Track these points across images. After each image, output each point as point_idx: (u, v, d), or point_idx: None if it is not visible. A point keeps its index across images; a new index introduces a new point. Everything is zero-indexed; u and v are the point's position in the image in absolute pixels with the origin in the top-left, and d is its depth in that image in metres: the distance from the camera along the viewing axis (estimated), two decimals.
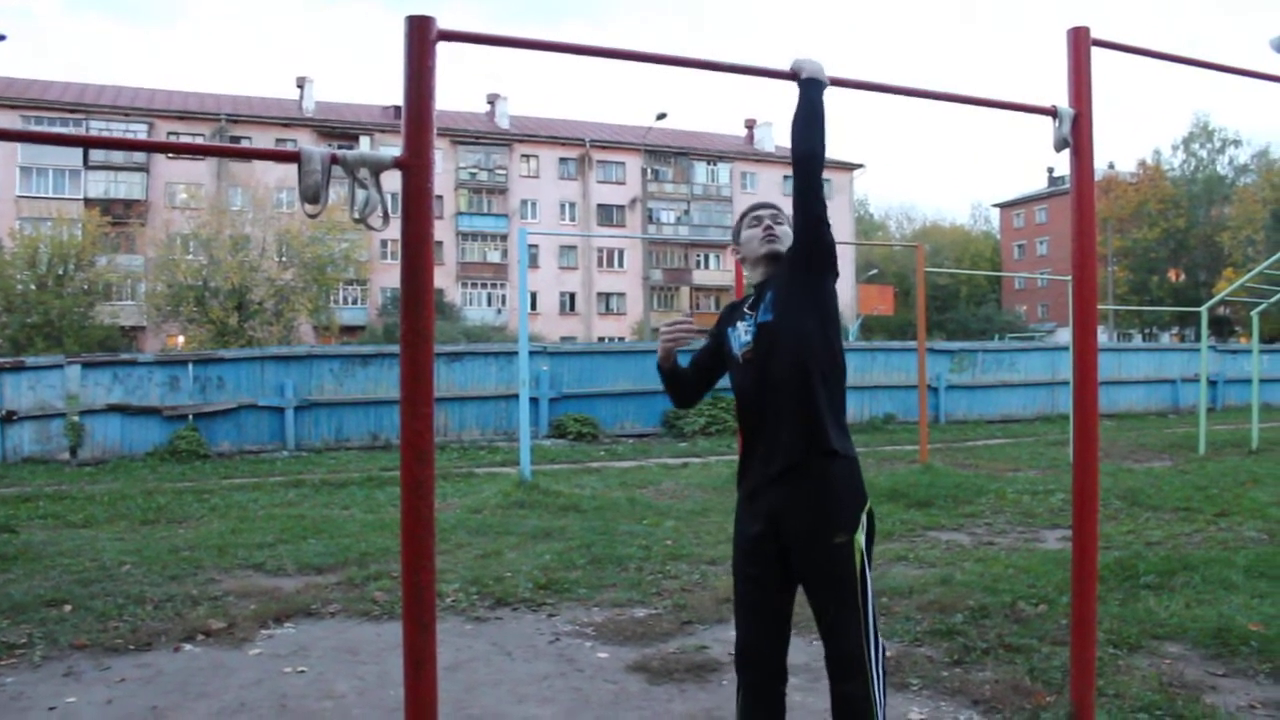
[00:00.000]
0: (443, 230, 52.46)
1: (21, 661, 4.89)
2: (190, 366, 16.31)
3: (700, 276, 58.40)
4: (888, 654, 4.84)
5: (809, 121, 3.07)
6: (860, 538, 2.96)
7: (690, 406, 3.34)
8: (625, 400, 18.65)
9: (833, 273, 3.10)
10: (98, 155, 48.23)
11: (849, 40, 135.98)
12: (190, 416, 15.93)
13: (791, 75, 3.13)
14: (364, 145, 50.57)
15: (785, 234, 3.18)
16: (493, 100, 59.64)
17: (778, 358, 3.02)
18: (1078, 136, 3.67)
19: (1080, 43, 3.68)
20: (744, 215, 3.29)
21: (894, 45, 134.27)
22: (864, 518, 2.99)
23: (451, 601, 6.01)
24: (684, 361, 3.35)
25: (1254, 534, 7.98)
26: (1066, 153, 3.71)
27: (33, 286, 36.77)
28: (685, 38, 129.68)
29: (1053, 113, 3.66)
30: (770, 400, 3.02)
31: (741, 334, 3.12)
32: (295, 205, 41.69)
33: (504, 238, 55.31)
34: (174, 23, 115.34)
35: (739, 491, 3.17)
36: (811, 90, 3.09)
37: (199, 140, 49.59)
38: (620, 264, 59.38)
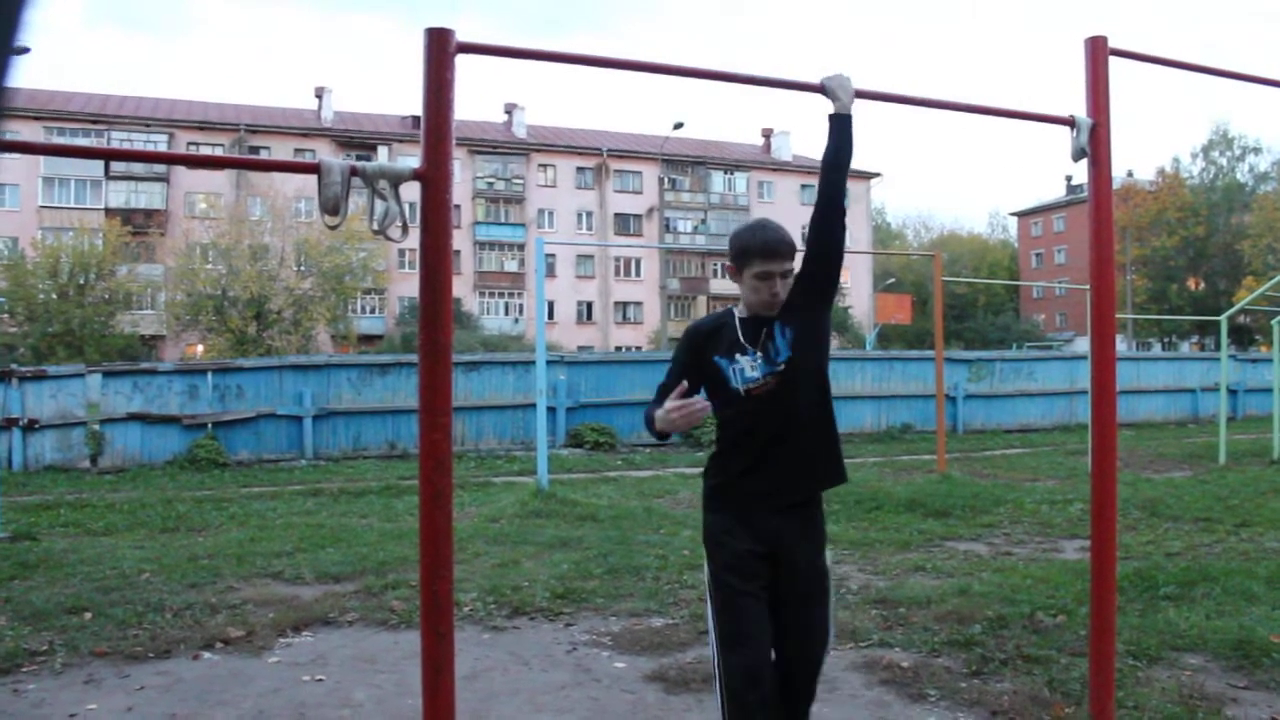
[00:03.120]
0: (460, 239, 52.59)
1: (43, 668, 4.92)
2: (209, 375, 16.40)
3: (717, 286, 58.33)
4: (905, 665, 4.85)
5: (844, 165, 3.13)
6: (830, 557, 3.24)
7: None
8: (642, 410, 18.56)
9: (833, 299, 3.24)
10: (118, 166, 48.65)
11: (866, 49, 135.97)
12: (209, 425, 16.02)
13: (817, 89, 3.14)
14: (382, 155, 50.88)
15: (787, 290, 3.11)
16: (510, 110, 59.82)
17: (802, 397, 3.07)
18: (1096, 146, 3.66)
19: (1098, 52, 3.68)
20: (753, 254, 3.05)
21: (911, 55, 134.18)
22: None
23: (469, 611, 6.01)
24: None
25: (1275, 545, 7.92)
26: (1084, 161, 3.70)
27: (54, 296, 37.06)
28: (697, 46, 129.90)
29: (1070, 123, 3.65)
30: (788, 434, 3.06)
31: (746, 369, 3.07)
32: (314, 215, 41.94)
33: (521, 247, 55.42)
34: (190, 35, 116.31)
35: (725, 511, 3.12)
36: (846, 128, 3.12)
37: (218, 151, 49.86)
38: (637, 273, 59.41)
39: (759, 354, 3.07)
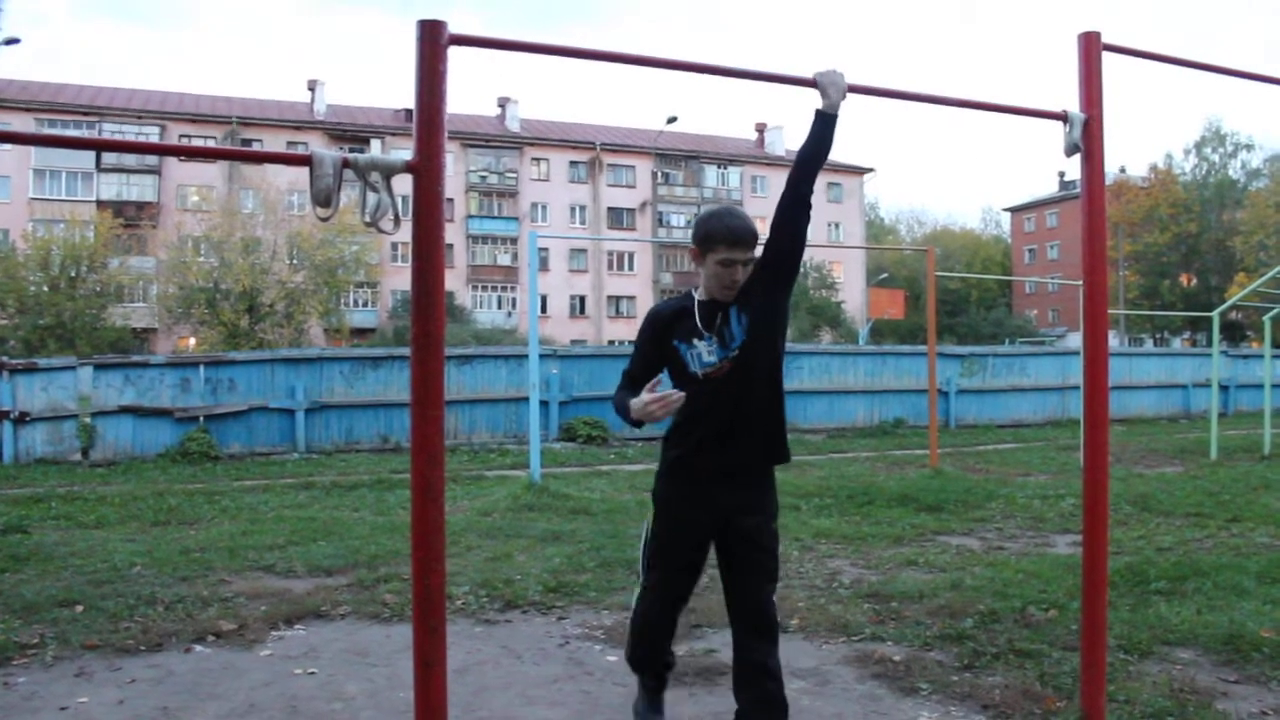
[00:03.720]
0: (453, 233, 52.53)
1: (34, 661, 4.90)
2: (201, 368, 16.35)
3: None
4: (896, 658, 4.85)
5: (819, 162, 3.19)
6: (777, 522, 3.44)
7: None
8: None
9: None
10: (110, 158, 48.45)
11: (859, 44, 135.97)
12: (201, 418, 15.98)
13: (810, 83, 3.15)
14: (375, 148, 50.71)
15: (746, 277, 3.24)
16: (503, 103, 59.76)
17: (754, 379, 3.20)
18: (1089, 141, 3.66)
19: (1091, 47, 3.68)
20: (718, 240, 3.16)
21: (905, 49, 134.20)
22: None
23: (461, 604, 6.01)
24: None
25: (1266, 540, 7.95)
26: (1077, 157, 3.71)
27: (45, 288, 36.97)
28: (691, 40, 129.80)
29: (1064, 118, 3.66)
30: (741, 417, 3.21)
31: (703, 353, 3.20)
32: (306, 208, 41.90)
33: (514, 241, 55.42)
34: (183, 27, 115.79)
35: (681, 480, 3.34)
36: (829, 127, 3.16)
37: (210, 143, 49.72)
38: (630, 267, 59.43)
39: (715, 339, 3.19)
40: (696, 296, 3.30)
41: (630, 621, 3.57)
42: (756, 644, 3.29)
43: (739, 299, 3.19)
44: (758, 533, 3.29)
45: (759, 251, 3.24)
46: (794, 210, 3.16)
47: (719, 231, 3.16)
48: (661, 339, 3.30)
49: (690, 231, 3.34)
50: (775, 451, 3.30)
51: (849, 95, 3.19)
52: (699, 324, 3.22)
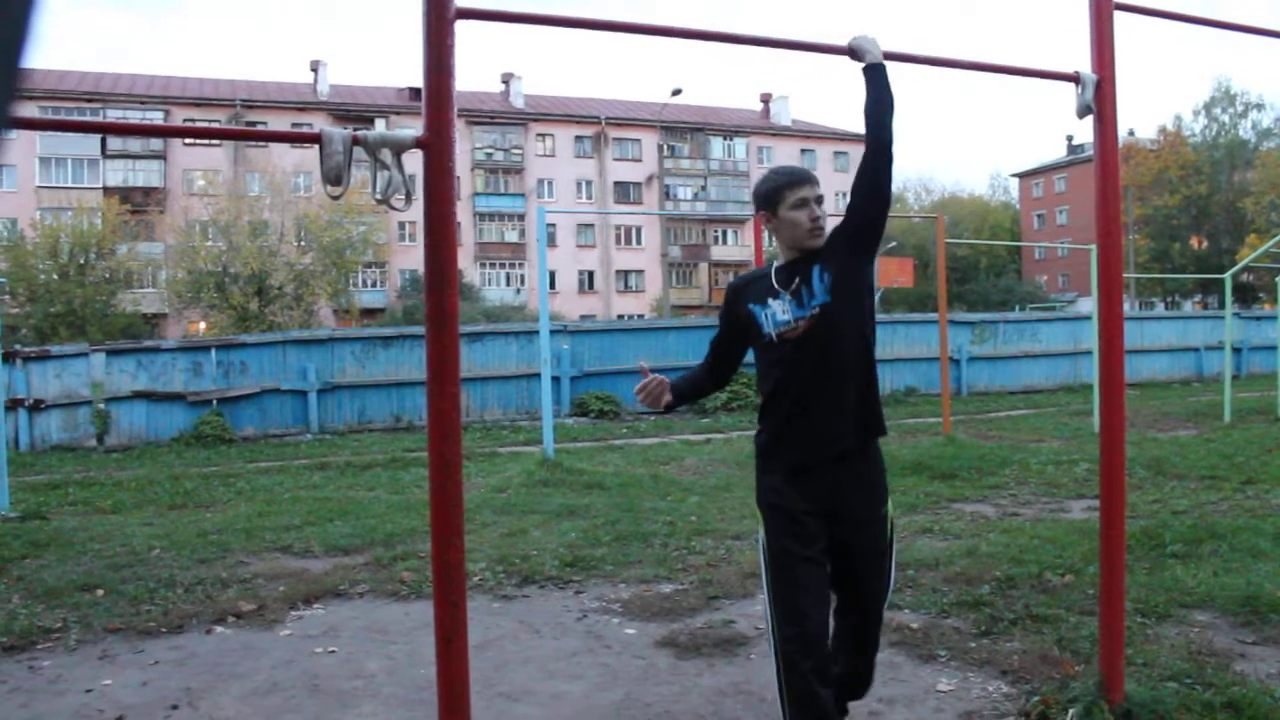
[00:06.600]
0: (460, 211, 51.94)
1: (58, 645, 4.95)
2: (213, 352, 16.41)
3: (718, 252, 58.28)
4: (914, 626, 4.87)
5: (887, 109, 3.03)
6: (891, 507, 3.18)
7: (723, 388, 3.34)
8: None
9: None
10: (115, 144, 48.42)
11: (865, 7, 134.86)
12: (214, 401, 16.04)
13: (847, 51, 3.11)
14: (380, 127, 50.49)
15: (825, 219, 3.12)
16: (507, 80, 59.47)
17: (841, 342, 3.00)
18: (1101, 103, 3.63)
19: (1103, 6, 3.64)
20: (782, 186, 3.07)
21: (911, 13, 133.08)
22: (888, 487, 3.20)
23: (479, 580, 6.03)
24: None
25: None
26: (1087, 120, 3.67)
27: (55, 276, 37.11)
28: (694, 8, 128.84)
29: (1075, 79, 3.62)
30: (831, 384, 3.00)
31: (778, 313, 3.03)
32: (313, 189, 41.88)
33: (521, 217, 55.29)
34: (177, 13, 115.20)
35: (775, 470, 3.08)
36: (882, 77, 3.06)
37: (215, 127, 49.68)
38: (638, 241, 59.28)
39: (791, 298, 3.03)
40: (775, 264, 3.18)
41: (779, 693, 2.98)
42: (858, 648, 3.22)
43: (822, 257, 3.02)
44: (869, 533, 3.09)
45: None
46: (875, 161, 2.99)
47: (781, 179, 3.08)
48: (736, 306, 3.19)
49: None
50: (872, 423, 3.08)
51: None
52: (775, 284, 3.08)
